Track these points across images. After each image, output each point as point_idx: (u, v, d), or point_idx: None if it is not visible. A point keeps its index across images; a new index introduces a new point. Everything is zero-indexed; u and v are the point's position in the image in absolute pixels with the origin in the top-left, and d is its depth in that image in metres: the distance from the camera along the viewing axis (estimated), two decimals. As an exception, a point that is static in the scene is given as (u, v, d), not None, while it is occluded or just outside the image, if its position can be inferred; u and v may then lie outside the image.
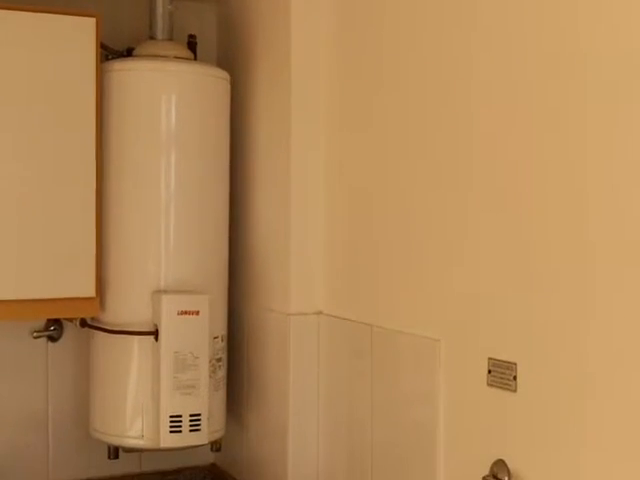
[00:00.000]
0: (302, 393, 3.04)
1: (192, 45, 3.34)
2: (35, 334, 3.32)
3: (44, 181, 2.94)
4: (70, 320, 3.23)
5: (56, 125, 2.94)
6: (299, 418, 3.03)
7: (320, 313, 3.01)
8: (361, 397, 2.79)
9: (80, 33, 2.95)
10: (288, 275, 3.02)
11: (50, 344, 3.37)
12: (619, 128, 1.92)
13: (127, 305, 3.06)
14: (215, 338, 3.08)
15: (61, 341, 3.38)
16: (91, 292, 3.02)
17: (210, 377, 3.03)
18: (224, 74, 3.20)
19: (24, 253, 2.93)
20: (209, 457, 3.54)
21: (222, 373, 3.14)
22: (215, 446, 3.18)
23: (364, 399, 2.77)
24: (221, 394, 3.14)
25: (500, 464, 2.23)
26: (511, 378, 2.21)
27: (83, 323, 3.13)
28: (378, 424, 2.72)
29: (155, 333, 2.96)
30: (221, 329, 3.14)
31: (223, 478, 3.46)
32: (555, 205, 2.08)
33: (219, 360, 3.11)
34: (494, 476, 2.23)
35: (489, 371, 2.28)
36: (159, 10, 3.21)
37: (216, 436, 3.13)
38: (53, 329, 3.35)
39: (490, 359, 2.27)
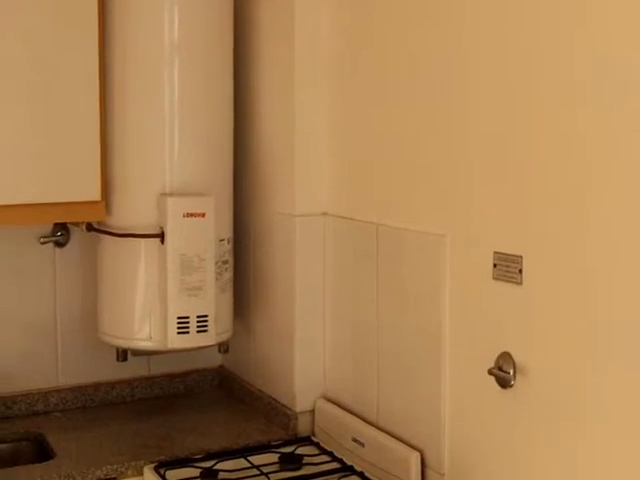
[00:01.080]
0: (308, 295, 3.06)
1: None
2: (42, 240, 3.32)
3: (47, 85, 2.92)
4: (76, 225, 3.24)
5: (59, 27, 2.91)
6: (305, 320, 3.06)
7: (325, 214, 3.02)
8: (367, 297, 2.81)
9: None
10: (292, 177, 3.02)
11: (57, 250, 3.37)
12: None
13: (133, 208, 3.06)
14: (221, 241, 3.09)
15: (68, 246, 3.38)
16: (97, 196, 3.03)
17: (216, 279, 3.05)
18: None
19: (29, 157, 2.92)
20: (217, 359, 3.58)
21: (228, 275, 3.16)
22: (223, 348, 3.21)
23: (370, 299, 2.79)
24: (228, 296, 3.16)
25: (506, 357, 2.25)
26: (516, 271, 2.22)
27: (89, 227, 3.13)
28: (384, 322, 2.74)
29: (161, 236, 2.97)
30: (227, 232, 3.15)
31: (231, 380, 3.50)
32: (552, 97, 2.07)
33: (225, 262, 3.12)
34: (499, 368, 2.26)
35: (494, 265, 2.29)
36: None
37: (223, 338, 3.15)
38: (60, 234, 3.36)
39: (496, 253, 2.28)
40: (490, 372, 2.26)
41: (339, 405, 2.96)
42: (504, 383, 2.25)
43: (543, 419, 2.15)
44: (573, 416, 2.06)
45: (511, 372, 2.23)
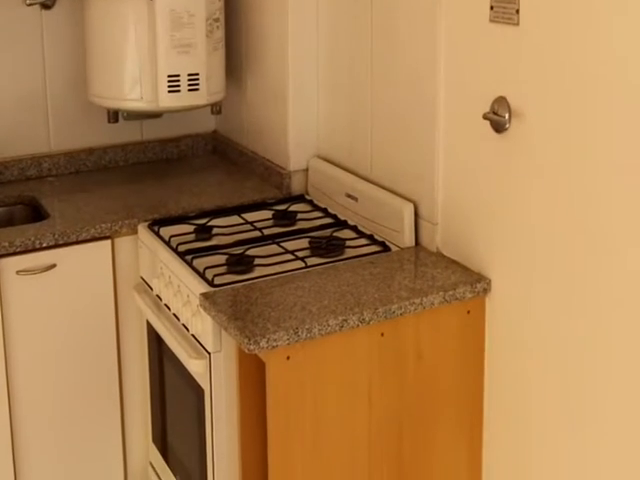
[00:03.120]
0: (301, 53, 2.98)
1: None
2: (28, 1, 3.21)
3: None
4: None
5: None
6: (299, 78, 3.00)
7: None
8: (361, 47, 2.73)
9: None
10: None
11: (44, 12, 3.26)
12: None
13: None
14: (211, -3, 3.00)
15: (55, 9, 3.27)
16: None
17: (207, 37, 2.97)
18: None
19: None
20: (210, 124, 3.54)
21: (220, 34, 3.07)
22: (215, 109, 3.16)
23: (364, 49, 2.71)
24: (219, 55, 3.08)
25: (501, 101, 2.21)
26: (513, 12, 2.15)
27: (74, -16, 3.03)
28: (378, 72, 2.67)
29: (149, -9, 2.88)
30: (217, -11, 3.05)
31: (224, 144, 3.47)
32: None
33: (217, 20, 3.03)
34: (495, 113, 2.22)
35: (491, 7, 2.21)
36: None
37: (216, 98, 3.10)
38: (46, -5, 3.25)
39: (492, -7, 2.20)
40: (485, 117, 2.22)
41: (333, 163, 2.94)
42: (499, 127, 2.21)
43: (538, 165, 2.12)
44: (568, 163, 2.04)
45: (506, 116, 2.19)
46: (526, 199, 2.17)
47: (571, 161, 2.03)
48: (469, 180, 2.36)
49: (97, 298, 2.86)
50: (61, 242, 2.78)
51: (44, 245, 2.76)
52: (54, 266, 2.78)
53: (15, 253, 2.73)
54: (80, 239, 2.80)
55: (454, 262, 2.42)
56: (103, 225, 2.84)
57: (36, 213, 3.08)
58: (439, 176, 2.46)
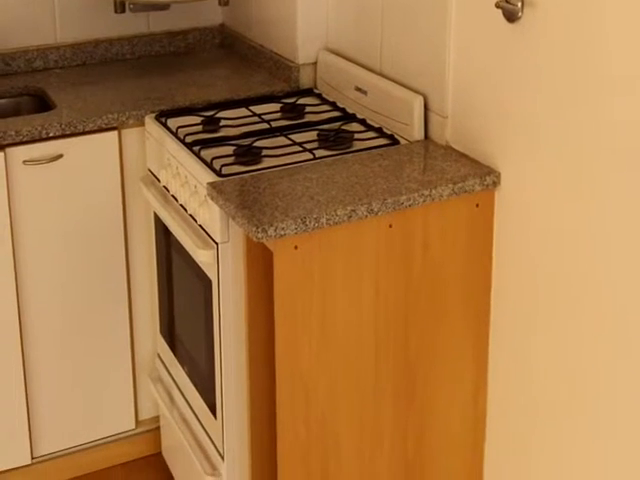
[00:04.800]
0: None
1: None
2: None
3: None
4: None
5: None
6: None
7: None
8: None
9: None
10: None
11: None
12: None
13: None
14: None
15: None
16: None
17: None
18: None
19: None
20: (218, 17, 3.49)
21: None
22: (223, 0, 3.11)
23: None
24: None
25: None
26: None
27: None
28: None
29: None
30: None
31: (232, 38, 3.42)
32: None
33: None
34: (507, 1, 2.17)
35: None
36: None
37: (224, -10, 3.05)
38: None
39: None
40: (497, 5, 2.18)
41: (342, 56, 2.90)
42: (511, 16, 2.16)
43: (550, 55, 2.08)
44: (582, 54, 2.00)
45: (519, 4, 2.14)
46: (538, 91, 2.14)
47: (585, 51, 2.00)
48: (480, 72, 2.33)
49: (104, 189, 2.85)
50: (68, 132, 2.76)
51: (51, 135, 2.74)
52: (61, 156, 2.77)
53: (22, 142, 2.72)
54: (87, 130, 2.79)
55: (463, 155, 2.40)
56: (110, 116, 2.81)
57: (42, 104, 3.06)
58: (449, 68, 2.42)
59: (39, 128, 2.73)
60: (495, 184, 2.28)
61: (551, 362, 2.20)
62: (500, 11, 2.19)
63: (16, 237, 2.76)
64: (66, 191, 2.81)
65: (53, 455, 2.99)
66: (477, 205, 2.30)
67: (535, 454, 2.29)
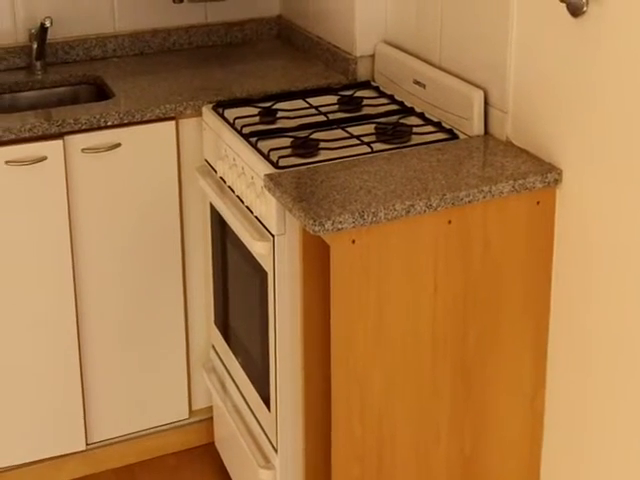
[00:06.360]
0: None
1: None
2: None
3: None
4: None
5: None
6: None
7: None
8: None
9: None
10: None
11: None
12: None
13: None
14: None
15: None
16: None
17: None
18: None
19: None
20: (275, 8, 3.48)
21: None
22: (281, -10, 3.11)
23: None
24: None
25: (580, -16, 2.13)
26: None
27: None
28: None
29: None
30: None
31: (289, 29, 3.41)
32: None
33: None
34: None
35: None
36: None
37: None
38: None
39: None
40: (562, -1, 2.15)
41: (400, 49, 2.88)
42: (576, 11, 2.13)
43: (616, 51, 2.05)
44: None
45: (585, -1, 2.11)
46: (603, 88, 2.10)
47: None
48: (542, 67, 2.29)
49: (161, 179, 2.87)
50: (126, 121, 2.78)
51: (109, 124, 2.76)
52: (119, 145, 2.78)
53: (80, 130, 2.74)
54: (145, 119, 2.80)
55: (524, 151, 2.37)
56: (167, 106, 2.82)
57: (100, 93, 3.08)
58: (511, 62, 2.39)
59: (97, 117, 2.74)
60: (557, 182, 2.25)
61: (612, 364, 2.17)
62: (564, 5, 2.15)
63: (73, 223, 2.78)
64: (123, 179, 2.83)
65: (107, 442, 3.02)
66: (538, 203, 2.27)
67: (594, 458, 2.26)
